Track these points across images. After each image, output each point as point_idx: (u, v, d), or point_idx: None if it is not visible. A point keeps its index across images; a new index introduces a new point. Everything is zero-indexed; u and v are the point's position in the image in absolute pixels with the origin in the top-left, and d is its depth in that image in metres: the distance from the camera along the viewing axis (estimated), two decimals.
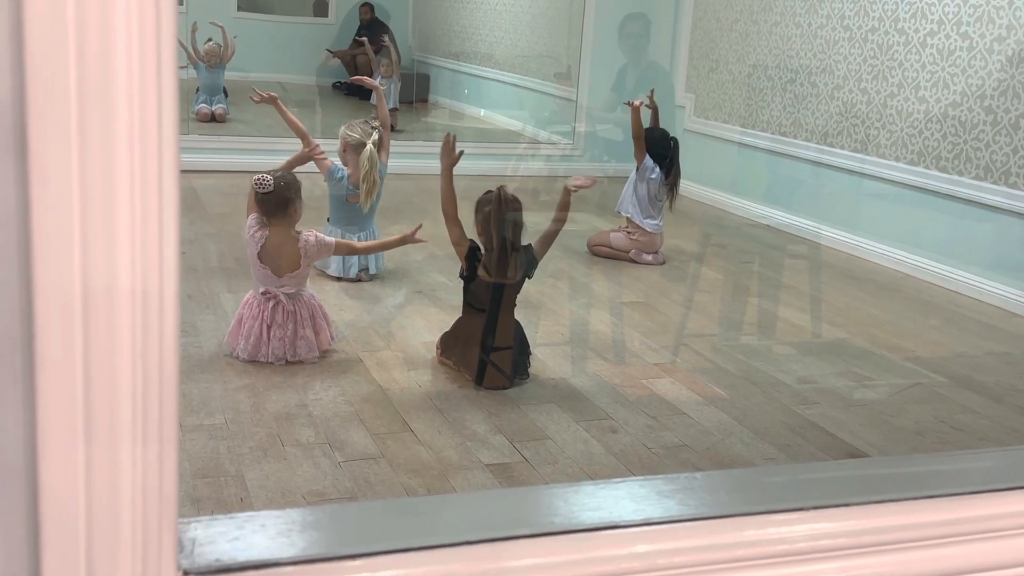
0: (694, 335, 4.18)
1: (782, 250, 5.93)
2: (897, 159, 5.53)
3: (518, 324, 3.57)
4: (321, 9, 11.03)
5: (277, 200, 3.52)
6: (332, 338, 3.63)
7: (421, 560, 0.78)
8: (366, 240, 4.43)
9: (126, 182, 0.59)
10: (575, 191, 3.90)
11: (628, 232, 5.26)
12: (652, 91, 5.59)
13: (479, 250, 3.52)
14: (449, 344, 3.59)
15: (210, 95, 8.01)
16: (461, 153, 3.58)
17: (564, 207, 3.81)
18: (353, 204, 4.49)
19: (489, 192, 3.52)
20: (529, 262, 3.56)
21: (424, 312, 4.16)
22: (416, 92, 9.86)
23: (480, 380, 3.43)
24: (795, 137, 6.31)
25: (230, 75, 8.89)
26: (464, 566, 0.78)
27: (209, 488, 2.61)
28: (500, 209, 3.44)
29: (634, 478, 1.09)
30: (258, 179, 3.49)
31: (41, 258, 0.58)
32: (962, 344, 4.36)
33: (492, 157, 6.79)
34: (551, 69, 8.54)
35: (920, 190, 5.37)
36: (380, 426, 3.05)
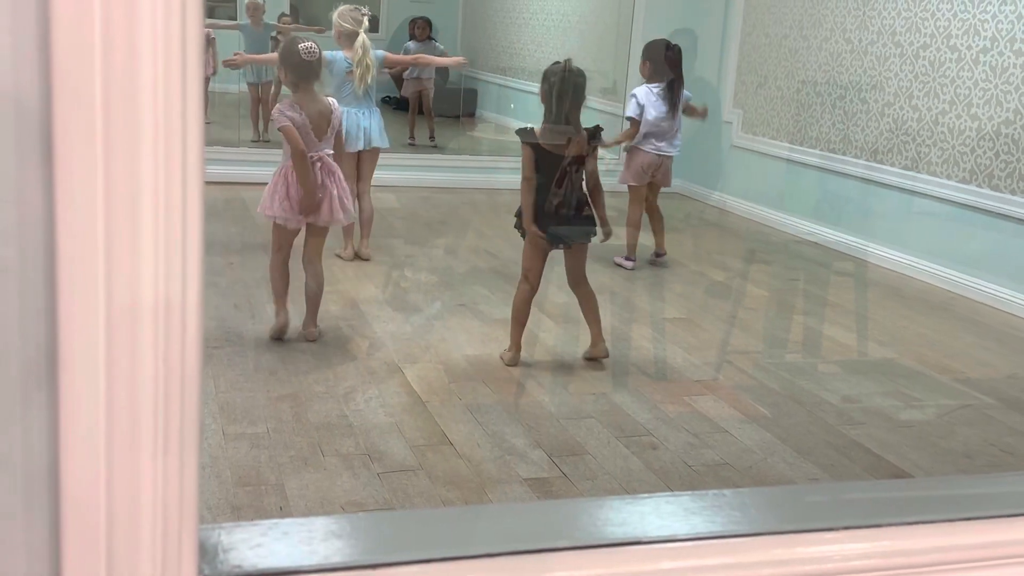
0: (737, 352, 4.14)
1: (829, 267, 5.86)
2: (948, 177, 5.44)
3: (587, 196, 3.75)
4: (372, 24, 11.15)
5: (318, 65, 3.86)
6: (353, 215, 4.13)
7: (441, 571, 0.78)
8: (370, 117, 5.06)
9: (150, 189, 0.60)
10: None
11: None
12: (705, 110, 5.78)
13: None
14: (528, 214, 3.68)
15: (255, 65, 7.73)
16: None
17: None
18: (352, 80, 4.91)
19: (556, 63, 3.72)
20: (593, 135, 3.71)
21: (466, 325, 4.17)
22: (463, 106, 9.91)
23: (556, 243, 3.69)
24: (844, 154, 6.23)
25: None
26: None
27: (249, 496, 2.63)
28: (565, 80, 3.64)
29: (661, 494, 1.08)
30: (308, 48, 3.80)
31: (65, 265, 0.59)
32: (1013, 365, 4.27)
33: None
34: (597, 84, 8.53)
35: (971, 208, 5.28)
36: (419, 438, 3.06)
